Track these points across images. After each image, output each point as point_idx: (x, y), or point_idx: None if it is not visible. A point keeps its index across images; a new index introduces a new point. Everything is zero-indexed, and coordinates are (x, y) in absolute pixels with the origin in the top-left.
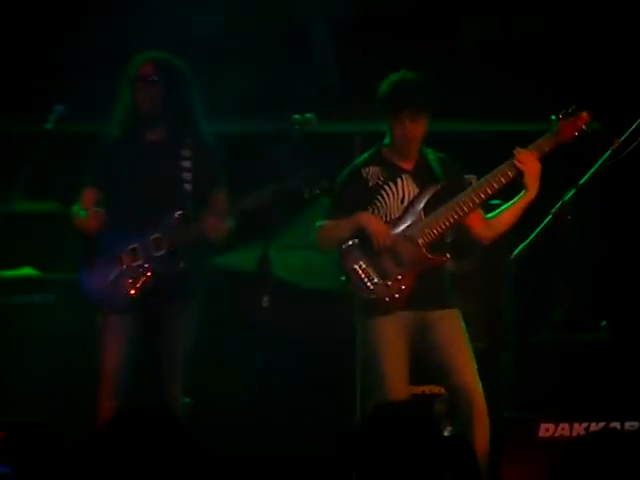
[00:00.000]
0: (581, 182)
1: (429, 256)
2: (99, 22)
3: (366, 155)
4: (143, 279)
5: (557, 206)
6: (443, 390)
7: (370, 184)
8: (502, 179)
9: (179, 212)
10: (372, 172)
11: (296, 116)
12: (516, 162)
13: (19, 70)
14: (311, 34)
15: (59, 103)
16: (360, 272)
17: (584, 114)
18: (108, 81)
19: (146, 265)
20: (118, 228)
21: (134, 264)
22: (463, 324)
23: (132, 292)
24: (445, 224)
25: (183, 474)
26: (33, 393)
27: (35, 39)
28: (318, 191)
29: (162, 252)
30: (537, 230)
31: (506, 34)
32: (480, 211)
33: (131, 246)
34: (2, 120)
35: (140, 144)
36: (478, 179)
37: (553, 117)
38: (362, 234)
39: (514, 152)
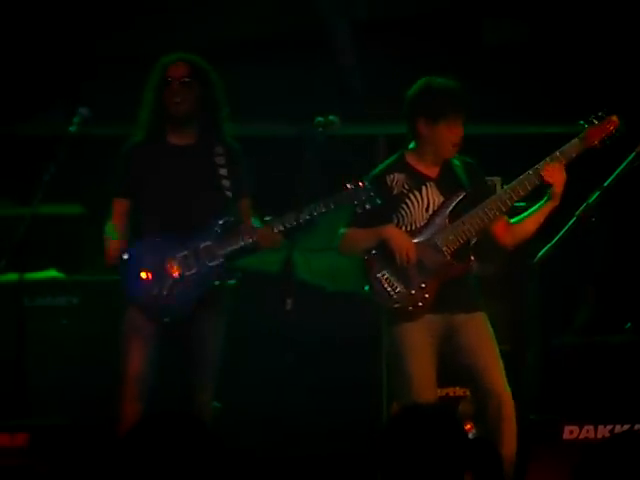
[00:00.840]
0: (606, 184)
1: (454, 264)
2: (122, 25)
3: (390, 161)
4: (202, 289)
5: (581, 208)
6: (467, 392)
7: (395, 192)
8: (528, 186)
9: (225, 219)
10: (397, 180)
11: (319, 118)
12: (544, 175)
13: (43, 72)
14: (332, 35)
15: (83, 105)
16: (383, 281)
17: (614, 118)
18: (131, 83)
19: (202, 273)
20: (155, 234)
21: (188, 273)
22: (490, 327)
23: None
24: (470, 232)
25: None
26: (57, 395)
27: (60, 42)
28: (368, 205)
29: (217, 262)
30: (561, 232)
31: (530, 37)
32: (504, 217)
33: (181, 254)
34: (26, 122)
35: (170, 147)
36: (502, 181)
37: (582, 122)
38: (386, 244)
39: (540, 167)
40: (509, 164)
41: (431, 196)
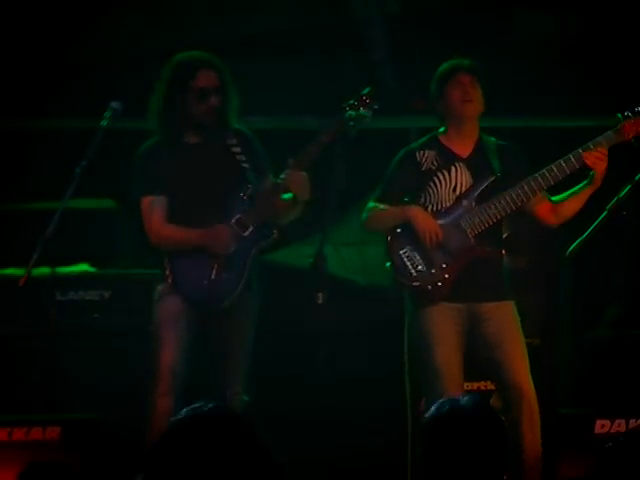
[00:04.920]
0: (637, 178)
1: (477, 247)
2: (151, 19)
3: (422, 140)
4: (245, 260)
5: (612, 202)
6: None
7: (423, 168)
8: (567, 170)
9: (245, 189)
10: (427, 156)
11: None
12: (588, 162)
13: (75, 67)
14: (365, 29)
15: (115, 100)
16: (405, 258)
17: None
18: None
19: (240, 246)
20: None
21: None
22: (517, 317)
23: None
24: (496, 216)
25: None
26: (89, 389)
27: (92, 36)
28: (373, 108)
29: (250, 229)
30: (592, 226)
31: (561, 30)
32: (546, 196)
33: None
34: (58, 117)
35: (189, 147)
36: None
37: (619, 115)
38: (410, 224)
39: (581, 152)
40: (539, 157)
41: (460, 177)
